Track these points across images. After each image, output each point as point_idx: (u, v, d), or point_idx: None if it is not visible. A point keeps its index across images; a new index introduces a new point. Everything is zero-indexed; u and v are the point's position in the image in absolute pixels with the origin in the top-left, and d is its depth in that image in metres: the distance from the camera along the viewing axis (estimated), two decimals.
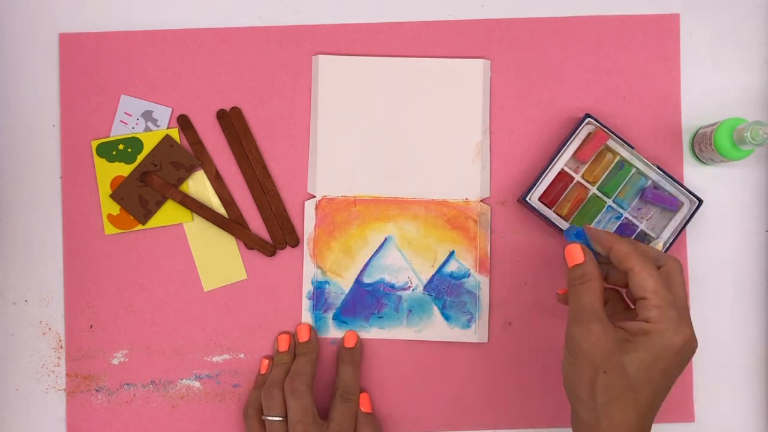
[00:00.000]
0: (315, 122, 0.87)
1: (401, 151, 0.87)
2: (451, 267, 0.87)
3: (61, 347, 0.86)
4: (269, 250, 0.86)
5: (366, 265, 0.87)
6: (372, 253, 0.87)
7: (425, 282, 0.87)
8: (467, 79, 0.87)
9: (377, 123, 0.87)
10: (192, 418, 0.86)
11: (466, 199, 0.87)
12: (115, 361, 0.86)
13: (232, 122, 0.87)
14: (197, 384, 0.86)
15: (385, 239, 0.87)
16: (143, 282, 0.86)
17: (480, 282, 0.86)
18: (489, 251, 0.87)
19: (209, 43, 0.87)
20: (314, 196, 0.87)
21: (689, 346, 0.68)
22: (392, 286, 0.87)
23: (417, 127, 0.87)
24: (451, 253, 0.87)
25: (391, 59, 0.88)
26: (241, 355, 0.86)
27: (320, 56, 0.87)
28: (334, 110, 0.87)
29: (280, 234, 0.87)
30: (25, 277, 0.87)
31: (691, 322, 0.69)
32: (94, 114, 0.87)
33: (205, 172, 0.87)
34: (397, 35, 0.88)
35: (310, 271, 0.87)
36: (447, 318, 0.86)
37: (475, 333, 0.86)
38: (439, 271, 0.87)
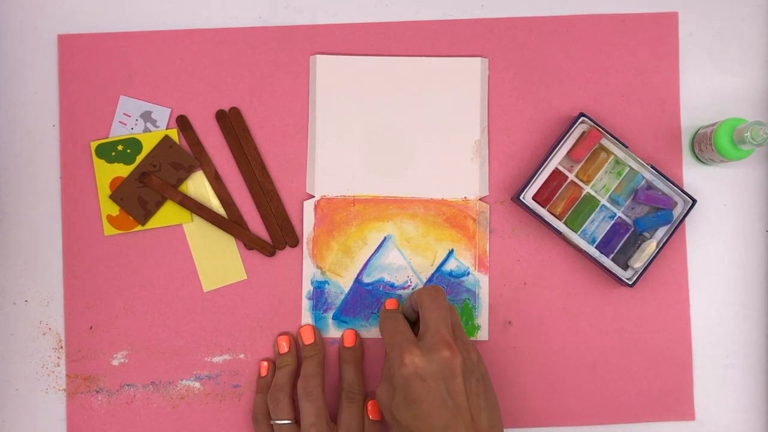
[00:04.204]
0: (313, 122, 0.87)
1: (400, 151, 0.87)
2: (451, 265, 0.87)
3: (61, 347, 0.86)
4: (269, 250, 0.86)
5: (365, 264, 0.87)
6: (371, 253, 0.87)
7: (425, 281, 0.87)
8: (465, 78, 0.87)
9: (375, 122, 0.87)
10: (192, 419, 0.86)
11: (465, 197, 0.87)
12: (115, 362, 0.86)
13: (231, 123, 0.87)
14: (197, 384, 0.86)
15: (385, 238, 0.87)
16: (143, 282, 0.86)
17: (479, 280, 0.86)
18: (488, 250, 0.87)
19: (208, 43, 0.87)
20: (313, 196, 0.87)
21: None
22: (392, 286, 0.87)
23: (415, 126, 0.87)
24: (450, 252, 0.87)
25: (388, 59, 0.87)
26: (241, 356, 0.86)
27: (318, 56, 0.87)
28: (332, 110, 0.87)
29: (279, 234, 0.86)
30: (25, 277, 0.87)
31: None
32: (94, 115, 0.87)
33: (205, 173, 0.87)
34: (396, 35, 0.88)
35: (309, 271, 0.87)
36: None
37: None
38: (438, 269, 0.87)
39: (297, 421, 0.82)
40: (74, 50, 0.87)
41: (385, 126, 0.87)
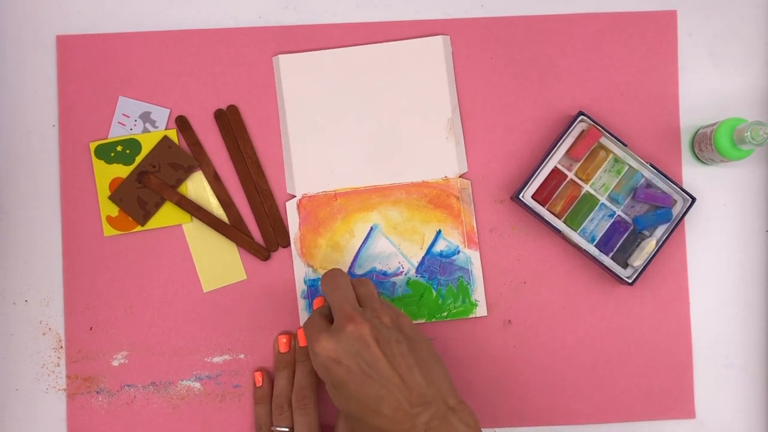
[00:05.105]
0: (284, 123, 0.87)
1: (375, 139, 0.87)
2: (440, 246, 0.87)
3: (61, 347, 0.86)
4: (263, 254, 0.86)
5: (355, 256, 0.87)
6: (360, 244, 0.87)
7: (416, 264, 0.87)
8: (429, 58, 0.87)
9: (346, 114, 0.87)
10: (192, 419, 0.86)
11: (445, 176, 0.87)
12: (116, 363, 0.86)
13: (228, 121, 0.86)
14: (197, 385, 0.86)
15: (371, 228, 0.87)
16: (143, 283, 0.86)
17: (470, 257, 0.87)
18: (475, 226, 0.87)
19: (207, 43, 0.87)
20: (294, 196, 0.87)
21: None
22: (385, 274, 0.87)
23: (387, 113, 0.87)
24: (438, 233, 0.87)
25: (349, 49, 0.87)
26: (242, 356, 0.86)
27: (280, 56, 0.87)
28: (301, 108, 0.87)
29: (272, 235, 0.86)
30: (25, 277, 0.87)
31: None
32: (93, 115, 0.86)
33: (204, 173, 0.86)
34: (396, 35, 0.88)
35: (301, 271, 0.87)
36: (443, 297, 0.86)
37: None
38: (428, 251, 0.87)
39: None
40: (73, 51, 0.87)
41: (356, 116, 0.87)
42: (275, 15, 0.88)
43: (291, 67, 0.87)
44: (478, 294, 0.86)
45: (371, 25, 0.88)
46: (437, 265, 0.87)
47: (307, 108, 0.87)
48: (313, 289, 0.86)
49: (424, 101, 0.87)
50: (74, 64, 0.87)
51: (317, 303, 0.83)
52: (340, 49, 0.87)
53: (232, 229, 0.86)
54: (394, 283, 0.87)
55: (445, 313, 0.86)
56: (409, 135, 0.87)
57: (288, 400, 0.82)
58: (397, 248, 0.87)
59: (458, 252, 0.87)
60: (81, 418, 0.85)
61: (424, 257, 0.87)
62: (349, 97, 0.87)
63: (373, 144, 0.87)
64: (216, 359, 0.86)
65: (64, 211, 0.86)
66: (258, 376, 0.85)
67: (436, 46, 0.87)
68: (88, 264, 0.86)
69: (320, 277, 0.85)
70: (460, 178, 0.87)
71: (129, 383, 0.86)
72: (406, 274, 0.87)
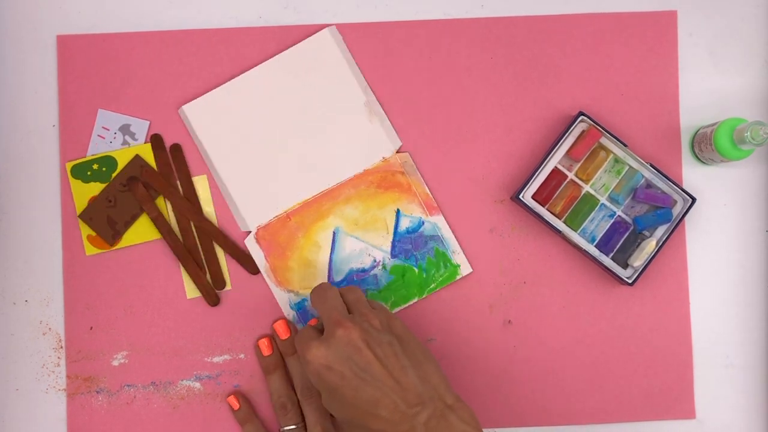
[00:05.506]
0: (211, 166, 0.87)
1: (303, 148, 0.87)
2: (404, 224, 0.87)
3: (61, 347, 0.86)
4: (212, 299, 0.86)
5: (330, 265, 0.87)
6: (329, 252, 0.87)
7: (389, 250, 0.87)
8: (324, 53, 0.87)
9: (268, 136, 0.87)
10: (192, 419, 0.86)
11: (383, 158, 0.87)
12: (116, 363, 0.86)
13: (170, 160, 0.87)
14: (198, 385, 0.86)
15: (334, 233, 0.87)
16: (143, 283, 0.86)
17: (436, 223, 0.87)
18: (428, 191, 0.87)
19: (207, 43, 0.87)
20: (250, 231, 0.87)
21: None
22: (363, 270, 0.87)
23: (305, 119, 0.87)
24: (398, 212, 0.87)
25: (245, 75, 0.87)
26: (242, 356, 0.86)
27: (184, 107, 0.86)
28: (222, 148, 0.86)
29: (220, 276, 0.86)
30: (25, 277, 0.87)
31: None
32: (93, 115, 0.86)
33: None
34: (396, 35, 0.88)
35: (284, 298, 0.86)
36: (426, 270, 0.87)
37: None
38: (396, 234, 0.87)
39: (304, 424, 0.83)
40: (73, 51, 0.87)
41: (278, 134, 0.87)
42: (275, 15, 0.88)
43: (198, 113, 0.86)
44: (458, 255, 0.86)
45: (371, 25, 0.88)
46: (409, 242, 0.87)
47: (228, 145, 0.86)
48: (301, 312, 0.86)
49: (336, 95, 0.87)
50: (74, 64, 0.87)
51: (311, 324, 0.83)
52: (236, 78, 0.87)
53: (190, 261, 0.85)
54: (376, 275, 0.87)
55: (434, 285, 0.87)
56: (334, 132, 0.87)
57: (289, 398, 0.82)
58: (366, 242, 0.87)
59: (423, 223, 0.87)
60: (81, 418, 0.85)
61: (394, 241, 0.87)
62: (265, 119, 0.87)
63: (304, 153, 0.87)
64: (216, 359, 0.86)
65: (64, 210, 0.86)
66: (233, 401, 0.85)
67: (325, 39, 0.87)
68: (89, 263, 0.86)
69: (306, 298, 0.86)
70: (398, 153, 0.87)
71: (129, 383, 0.86)
72: (383, 264, 0.87)
